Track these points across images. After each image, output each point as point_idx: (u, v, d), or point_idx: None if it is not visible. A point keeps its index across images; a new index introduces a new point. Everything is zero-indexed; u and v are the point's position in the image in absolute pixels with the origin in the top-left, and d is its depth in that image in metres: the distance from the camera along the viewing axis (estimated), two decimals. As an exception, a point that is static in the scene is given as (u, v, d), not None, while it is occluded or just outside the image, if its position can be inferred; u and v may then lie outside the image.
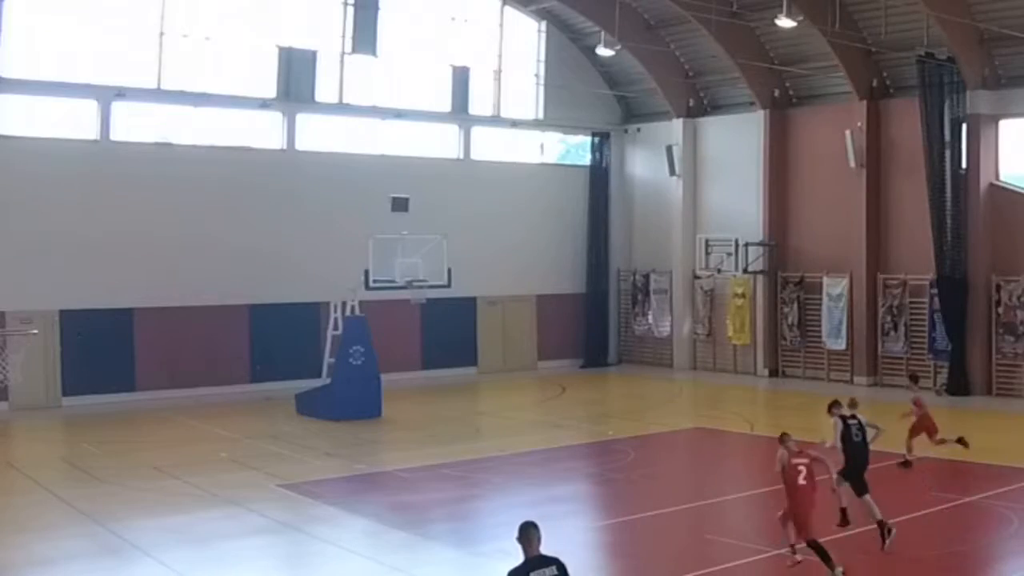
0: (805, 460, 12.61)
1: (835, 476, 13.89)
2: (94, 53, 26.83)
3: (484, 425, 23.66)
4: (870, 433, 14.40)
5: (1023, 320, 26.16)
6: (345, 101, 30.64)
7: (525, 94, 34.11)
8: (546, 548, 8.23)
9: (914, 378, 20.16)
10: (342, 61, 30.44)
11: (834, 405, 14.58)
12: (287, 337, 28.54)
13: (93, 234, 26.72)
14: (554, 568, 8.15)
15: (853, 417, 14.41)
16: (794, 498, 12.53)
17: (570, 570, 8.17)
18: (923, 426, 18.48)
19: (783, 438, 12.85)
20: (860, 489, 13.82)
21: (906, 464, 18.05)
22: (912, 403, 18.67)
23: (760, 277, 31.53)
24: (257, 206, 29.00)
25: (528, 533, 8.24)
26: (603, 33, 31.01)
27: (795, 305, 30.84)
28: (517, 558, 8.16)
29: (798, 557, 12.45)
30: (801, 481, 12.48)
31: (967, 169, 26.73)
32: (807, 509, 12.43)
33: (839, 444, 14.15)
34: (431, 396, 28.40)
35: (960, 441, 18.38)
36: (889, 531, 13.26)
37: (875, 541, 13.39)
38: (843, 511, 13.98)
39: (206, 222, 28.21)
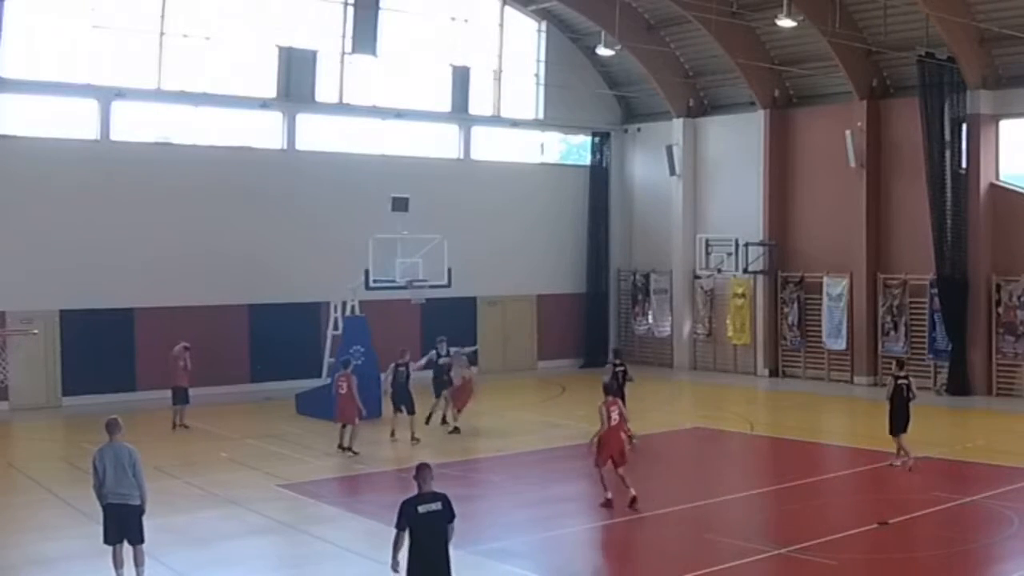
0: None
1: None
2: (94, 53, 26.82)
3: (484, 425, 23.62)
4: None
5: (1023, 320, 26.17)
6: (345, 101, 30.64)
7: (525, 94, 34.11)
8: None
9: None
10: (342, 61, 30.43)
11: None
12: (287, 337, 28.51)
13: (93, 234, 26.72)
14: (439, 503, 9.86)
15: None
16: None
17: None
18: None
19: None
20: None
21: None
22: None
23: (760, 277, 31.51)
24: (257, 206, 29.00)
25: (423, 473, 9.99)
26: (603, 33, 30.98)
27: (795, 305, 30.83)
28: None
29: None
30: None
31: (967, 169, 26.69)
32: None
33: None
34: (431, 396, 28.35)
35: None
36: None
37: (874, 541, 13.37)
38: None
39: (206, 222, 28.21)
